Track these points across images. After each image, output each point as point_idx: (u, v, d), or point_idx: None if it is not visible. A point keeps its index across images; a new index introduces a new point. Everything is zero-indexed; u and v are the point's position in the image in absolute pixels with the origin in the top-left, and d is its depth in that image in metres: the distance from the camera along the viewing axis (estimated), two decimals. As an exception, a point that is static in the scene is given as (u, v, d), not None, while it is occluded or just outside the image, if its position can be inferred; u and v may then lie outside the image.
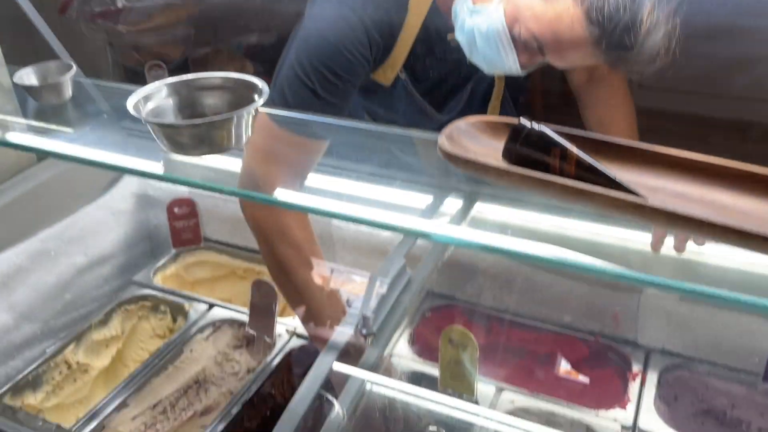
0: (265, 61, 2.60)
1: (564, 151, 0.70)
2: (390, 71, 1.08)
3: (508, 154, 0.73)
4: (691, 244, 0.75)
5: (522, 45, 0.86)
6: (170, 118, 0.84)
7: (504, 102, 1.22)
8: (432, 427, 1.15)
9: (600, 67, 1.27)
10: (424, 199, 0.92)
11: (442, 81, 1.13)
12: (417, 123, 1.17)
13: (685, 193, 0.69)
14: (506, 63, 0.89)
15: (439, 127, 1.22)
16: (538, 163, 0.71)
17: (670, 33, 0.77)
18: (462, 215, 0.90)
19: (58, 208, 1.64)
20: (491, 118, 0.81)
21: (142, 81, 2.17)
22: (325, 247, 1.50)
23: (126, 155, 1.02)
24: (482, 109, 1.20)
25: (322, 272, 1.23)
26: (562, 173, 0.69)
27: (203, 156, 0.82)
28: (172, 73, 2.26)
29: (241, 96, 0.86)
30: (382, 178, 0.95)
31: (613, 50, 0.79)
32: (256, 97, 0.84)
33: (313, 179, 1.03)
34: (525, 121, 0.73)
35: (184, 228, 1.74)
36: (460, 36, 0.94)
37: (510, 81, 1.19)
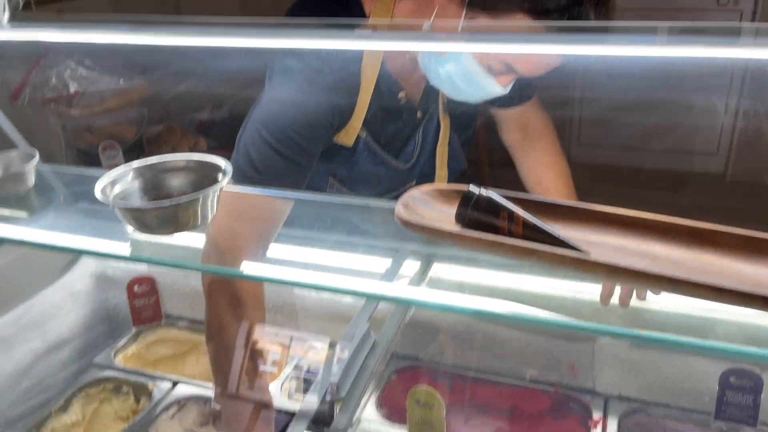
0: (217, 137, 2.66)
1: (511, 213, 0.76)
2: (352, 132, 1.18)
3: (460, 219, 0.79)
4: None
5: (497, 73, 0.97)
6: (136, 201, 0.87)
7: (451, 140, 1.32)
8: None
9: (533, 124, 1.37)
10: (383, 264, 0.97)
11: (398, 132, 1.24)
12: (380, 175, 1.27)
13: (623, 246, 0.76)
14: (490, 90, 1.03)
15: (400, 176, 1.30)
16: (488, 226, 0.77)
17: None
18: (420, 277, 0.95)
19: (15, 294, 1.62)
20: (442, 186, 0.87)
21: (96, 162, 2.20)
22: (288, 316, 1.52)
23: (86, 237, 1.03)
24: (433, 150, 1.29)
25: (281, 340, 1.24)
26: (510, 234, 0.75)
27: (171, 234, 0.85)
28: (126, 153, 2.30)
29: (205, 176, 0.90)
30: (343, 245, 1.00)
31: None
32: (219, 176, 0.88)
33: (275, 250, 1.06)
34: (474, 188, 0.79)
35: (144, 306, 1.73)
36: (437, 82, 1.05)
37: (455, 122, 1.29)
